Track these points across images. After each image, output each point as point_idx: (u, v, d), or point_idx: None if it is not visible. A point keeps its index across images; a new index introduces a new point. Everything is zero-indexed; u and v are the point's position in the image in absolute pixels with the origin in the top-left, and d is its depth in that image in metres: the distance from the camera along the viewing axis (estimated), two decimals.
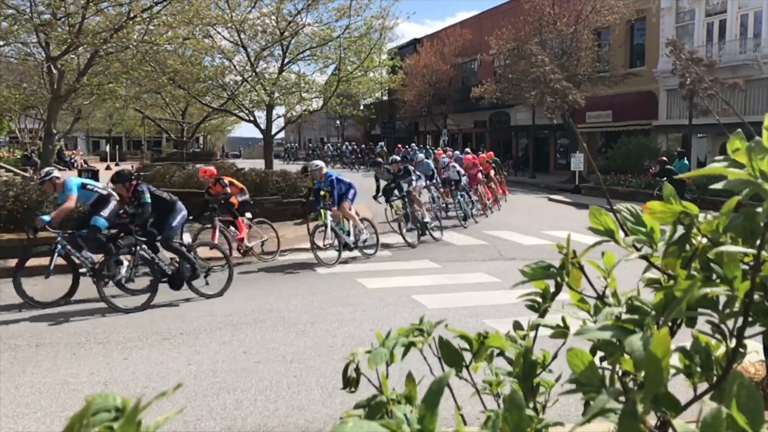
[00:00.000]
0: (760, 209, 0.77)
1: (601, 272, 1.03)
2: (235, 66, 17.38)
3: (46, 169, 8.30)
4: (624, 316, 0.87)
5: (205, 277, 8.00)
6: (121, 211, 7.91)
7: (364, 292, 7.89)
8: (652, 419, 0.68)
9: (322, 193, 10.17)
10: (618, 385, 0.75)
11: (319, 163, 10.90)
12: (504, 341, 1.09)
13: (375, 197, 12.34)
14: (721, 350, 0.84)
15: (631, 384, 0.90)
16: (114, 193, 7.87)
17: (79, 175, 15.75)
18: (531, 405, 1.07)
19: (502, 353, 1.17)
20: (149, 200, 7.46)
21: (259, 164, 19.63)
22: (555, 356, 1.19)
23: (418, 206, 12.18)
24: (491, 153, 19.83)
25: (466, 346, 1.18)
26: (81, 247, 7.57)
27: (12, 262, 8.80)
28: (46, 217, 7.40)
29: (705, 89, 1.59)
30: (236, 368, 5.02)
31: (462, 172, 14.97)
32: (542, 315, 1.17)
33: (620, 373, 0.85)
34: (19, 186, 10.76)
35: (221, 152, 63.15)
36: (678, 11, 25.12)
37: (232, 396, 4.43)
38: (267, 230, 10.84)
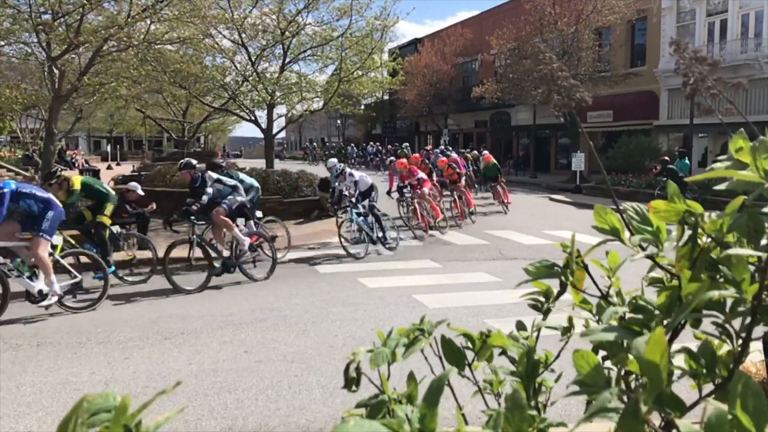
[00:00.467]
0: (765, 209, 0.77)
1: (606, 271, 1.02)
2: (236, 66, 17.39)
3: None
4: (628, 316, 0.87)
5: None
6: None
7: (364, 292, 7.88)
8: (656, 420, 0.68)
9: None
10: (622, 385, 0.74)
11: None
12: (506, 340, 1.08)
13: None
14: (724, 349, 0.84)
15: (634, 384, 0.90)
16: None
17: (80, 175, 15.76)
18: (533, 404, 1.06)
19: (504, 352, 1.16)
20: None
21: (260, 164, 19.64)
22: (558, 356, 1.19)
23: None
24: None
25: (468, 344, 1.17)
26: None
27: None
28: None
29: (708, 88, 1.59)
30: (237, 368, 5.02)
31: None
32: (545, 315, 1.16)
33: (623, 374, 0.84)
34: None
35: (222, 152, 63.20)
36: (679, 11, 25.09)
37: (233, 395, 4.43)
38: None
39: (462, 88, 38.40)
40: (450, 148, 26.67)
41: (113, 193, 8.79)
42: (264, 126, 17.86)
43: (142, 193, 9.80)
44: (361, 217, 10.98)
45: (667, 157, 17.65)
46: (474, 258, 10.43)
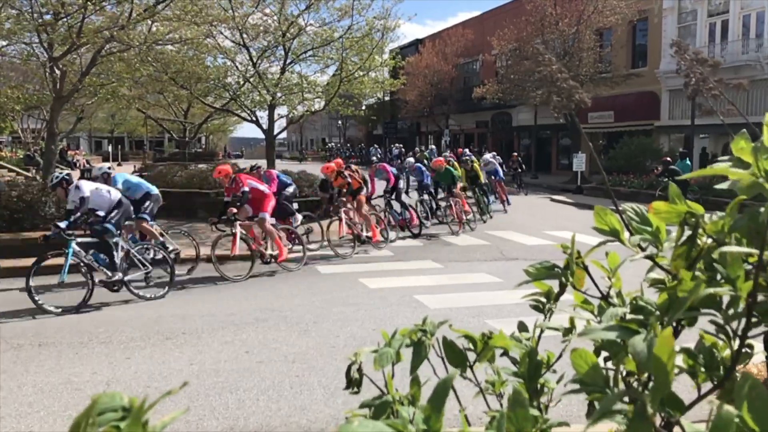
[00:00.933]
0: (762, 209, 0.77)
1: (606, 272, 1.02)
2: (237, 66, 17.39)
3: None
4: (628, 317, 0.87)
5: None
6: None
7: (366, 292, 7.89)
8: (656, 419, 0.68)
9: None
10: (622, 385, 0.75)
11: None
12: (508, 341, 1.09)
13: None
14: (726, 351, 0.84)
15: (635, 384, 0.90)
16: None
17: (82, 175, 15.79)
18: (535, 405, 1.07)
19: (505, 353, 1.17)
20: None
21: (261, 164, 19.61)
22: (560, 356, 1.19)
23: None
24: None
25: (470, 346, 1.18)
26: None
27: (7, 262, 8.86)
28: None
29: (709, 89, 1.59)
30: (238, 368, 5.02)
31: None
32: (547, 315, 1.17)
33: (624, 374, 0.85)
34: (22, 186, 10.79)
35: (223, 152, 63.24)
36: (680, 11, 25.08)
37: (234, 396, 4.43)
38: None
39: (463, 88, 38.38)
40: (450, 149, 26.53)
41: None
42: (265, 126, 17.86)
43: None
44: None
45: (668, 158, 17.64)
46: (475, 258, 10.44)
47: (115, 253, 7.51)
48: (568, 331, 1.14)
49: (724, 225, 0.79)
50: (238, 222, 9.06)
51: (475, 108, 36.48)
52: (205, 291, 8.29)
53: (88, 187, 7.70)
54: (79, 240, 7.40)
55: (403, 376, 1.13)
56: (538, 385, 1.07)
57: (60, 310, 7.00)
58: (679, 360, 0.80)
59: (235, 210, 9.03)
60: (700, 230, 0.80)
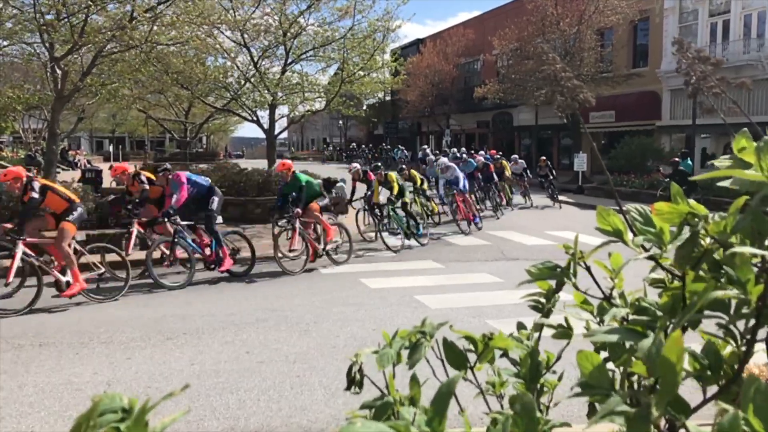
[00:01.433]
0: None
1: (608, 273, 1.02)
2: (238, 66, 17.39)
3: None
4: (631, 318, 0.87)
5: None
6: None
7: (366, 292, 7.88)
8: (660, 421, 0.68)
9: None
10: (626, 387, 0.74)
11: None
12: (509, 342, 1.08)
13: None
14: (728, 350, 0.84)
15: (636, 386, 0.90)
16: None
17: (83, 175, 15.79)
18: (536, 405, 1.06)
19: (505, 354, 1.16)
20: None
21: (262, 164, 19.64)
22: (559, 357, 1.19)
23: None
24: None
25: (471, 346, 1.17)
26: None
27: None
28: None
29: (710, 88, 1.59)
30: (239, 368, 5.02)
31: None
32: (546, 315, 1.16)
33: (627, 375, 0.84)
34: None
35: (224, 152, 63.30)
36: (681, 11, 25.06)
37: (235, 396, 4.43)
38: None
39: (464, 88, 38.37)
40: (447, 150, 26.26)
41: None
42: (266, 126, 17.87)
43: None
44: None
45: (677, 159, 17.63)
46: (476, 259, 10.43)
47: None
48: (565, 333, 1.13)
49: (727, 225, 0.78)
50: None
51: (476, 108, 36.47)
52: (206, 291, 8.29)
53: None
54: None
55: (403, 377, 1.12)
56: (539, 386, 1.07)
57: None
58: (685, 362, 0.80)
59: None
60: (702, 231, 0.80)
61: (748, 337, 0.73)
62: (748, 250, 0.70)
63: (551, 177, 19.29)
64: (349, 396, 1.19)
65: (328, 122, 61.54)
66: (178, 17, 12.23)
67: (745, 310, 0.73)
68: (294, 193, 9.59)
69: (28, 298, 7.06)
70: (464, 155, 19.32)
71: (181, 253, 8.82)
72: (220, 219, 9.53)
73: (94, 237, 9.83)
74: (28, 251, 7.15)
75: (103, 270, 8.10)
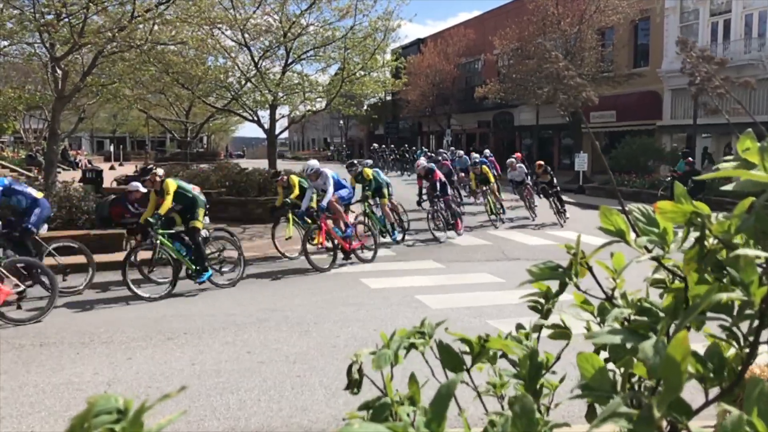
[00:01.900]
0: None
1: (610, 273, 1.01)
2: (238, 66, 17.39)
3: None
4: (633, 319, 0.86)
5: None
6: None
7: (367, 292, 7.88)
8: (662, 423, 0.67)
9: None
10: (627, 389, 0.73)
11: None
12: (506, 343, 1.07)
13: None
14: (731, 352, 0.83)
15: (638, 387, 0.89)
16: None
17: (84, 175, 15.78)
18: (536, 406, 1.05)
19: (504, 355, 1.15)
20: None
21: (263, 164, 19.65)
22: (558, 358, 1.18)
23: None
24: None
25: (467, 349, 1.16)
26: None
27: None
28: None
29: (715, 88, 1.58)
30: (239, 368, 5.02)
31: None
32: (545, 316, 1.15)
33: (629, 377, 0.83)
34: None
35: (225, 152, 63.32)
36: (682, 11, 25.03)
37: (235, 396, 4.42)
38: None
39: (465, 88, 38.36)
40: (447, 150, 26.05)
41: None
42: (267, 126, 17.87)
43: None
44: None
45: (692, 159, 17.73)
46: (477, 259, 10.42)
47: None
48: (563, 333, 1.12)
49: (731, 226, 0.77)
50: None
51: (477, 108, 36.46)
52: (206, 291, 8.28)
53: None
54: None
55: (402, 376, 1.12)
56: (539, 387, 1.06)
57: None
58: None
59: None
60: (707, 231, 0.79)
61: (752, 338, 0.72)
62: (752, 252, 0.69)
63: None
64: (349, 396, 1.19)
65: (329, 122, 61.52)
66: (178, 16, 12.23)
67: (748, 312, 0.72)
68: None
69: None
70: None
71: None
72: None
73: (95, 237, 9.84)
74: None
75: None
